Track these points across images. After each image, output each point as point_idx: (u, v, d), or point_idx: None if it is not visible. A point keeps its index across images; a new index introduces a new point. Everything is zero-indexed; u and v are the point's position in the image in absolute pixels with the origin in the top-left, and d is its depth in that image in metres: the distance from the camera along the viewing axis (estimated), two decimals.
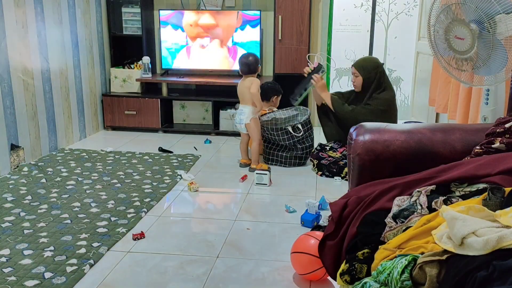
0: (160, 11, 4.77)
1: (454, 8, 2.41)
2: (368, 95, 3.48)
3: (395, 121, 3.52)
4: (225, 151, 4.15)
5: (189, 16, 4.72)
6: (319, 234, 2.00)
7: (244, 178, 3.40)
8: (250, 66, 3.58)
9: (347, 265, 1.31)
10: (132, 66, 4.81)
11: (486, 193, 1.17)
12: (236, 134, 4.55)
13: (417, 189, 1.36)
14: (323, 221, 2.60)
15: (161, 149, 4.08)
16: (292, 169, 3.68)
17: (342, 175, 3.46)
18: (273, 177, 3.51)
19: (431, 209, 1.25)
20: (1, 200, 2.90)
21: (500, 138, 1.54)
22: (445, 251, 1.02)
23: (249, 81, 3.59)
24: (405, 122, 3.21)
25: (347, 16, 5.62)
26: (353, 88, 3.61)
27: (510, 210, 1.06)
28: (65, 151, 3.97)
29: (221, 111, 4.62)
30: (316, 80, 3.57)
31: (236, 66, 4.74)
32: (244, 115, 3.63)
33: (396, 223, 1.27)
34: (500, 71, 2.35)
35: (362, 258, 1.30)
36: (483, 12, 2.26)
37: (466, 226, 1.00)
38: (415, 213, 1.26)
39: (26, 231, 2.50)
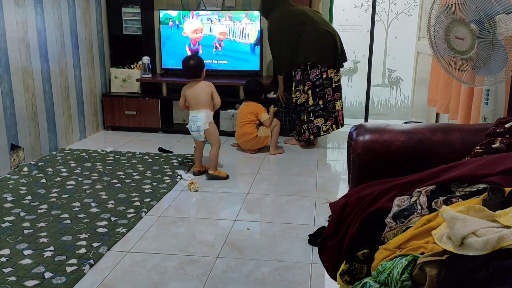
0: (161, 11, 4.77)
1: (454, 8, 2.41)
2: None
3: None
4: (225, 151, 4.14)
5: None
6: None
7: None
8: (192, 69, 3.37)
9: (347, 265, 1.31)
10: (132, 66, 4.81)
11: (486, 193, 1.17)
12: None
13: (417, 189, 1.35)
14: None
15: (161, 149, 4.08)
16: (292, 169, 3.68)
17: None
18: (274, 178, 3.51)
19: (431, 209, 1.25)
20: (1, 200, 2.90)
21: (500, 138, 1.54)
22: (445, 251, 1.02)
23: (206, 85, 3.40)
24: (405, 122, 3.21)
25: (347, 16, 5.62)
26: None
27: (510, 210, 1.06)
28: (65, 151, 3.97)
29: (221, 111, 4.61)
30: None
31: (236, 66, 4.75)
32: (202, 121, 3.36)
33: (396, 223, 1.27)
34: (500, 71, 2.35)
35: (362, 258, 1.30)
36: (483, 12, 2.26)
37: (466, 226, 1.00)
38: (415, 213, 1.26)
39: (26, 231, 2.50)
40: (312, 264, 2.24)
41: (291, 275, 2.14)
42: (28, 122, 3.64)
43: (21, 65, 3.53)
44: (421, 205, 1.28)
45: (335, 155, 4.17)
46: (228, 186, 3.32)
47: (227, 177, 3.43)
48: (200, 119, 3.37)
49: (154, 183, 3.26)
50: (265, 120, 4.01)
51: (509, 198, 1.14)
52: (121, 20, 4.75)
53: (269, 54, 4.77)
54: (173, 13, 4.75)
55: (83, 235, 2.46)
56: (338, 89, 4.12)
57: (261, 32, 4.64)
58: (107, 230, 2.53)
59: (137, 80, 4.70)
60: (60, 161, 3.71)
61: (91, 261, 2.21)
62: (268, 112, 4.07)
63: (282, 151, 4.09)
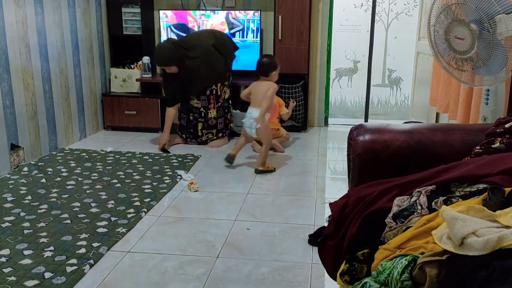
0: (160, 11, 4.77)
1: (454, 8, 2.41)
2: None
3: None
4: (225, 151, 4.14)
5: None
6: None
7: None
8: (260, 66, 3.57)
9: (347, 265, 1.31)
10: (132, 66, 4.81)
11: (486, 193, 1.17)
12: (235, 134, 4.53)
13: (417, 189, 1.35)
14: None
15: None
16: (292, 169, 3.68)
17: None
18: (274, 178, 3.51)
19: (431, 209, 1.25)
20: (1, 200, 2.90)
21: (500, 138, 1.54)
22: (445, 251, 1.02)
23: (267, 85, 3.53)
24: (405, 122, 3.21)
25: (347, 16, 5.61)
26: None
27: (510, 210, 1.06)
28: (65, 151, 3.97)
29: None
30: None
31: (236, 66, 4.75)
32: (253, 119, 3.48)
33: (396, 223, 1.27)
34: (500, 71, 2.35)
35: (362, 258, 1.30)
36: (483, 12, 2.26)
37: (466, 226, 1.00)
38: (415, 213, 1.26)
39: (26, 231, 2.50)
40: (312, 264, 2.24)
41: (291, 275, 2.14)
42: (28, 122, 3.64)
43: (21, 64, 3.53)
44: (421, 205, 1.28)
45: (335, 155, 4.17)
46: (228, 186, 3.32)
47: (274, 170, 3.57)
48: (252, 116, 3.51)
49: (154, 183, 3.26)
50: (283, 114, 4.12)
51: (509, 198, 1.14)
52: (121, 20, 4.75)
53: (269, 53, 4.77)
54: (173, 13, 4.74)
55: (83, 235, 2.46)
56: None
57: (261, 32, 4.65)
58: (107, 230, 2.53)
59: (137, 80, 4.70)
60: (60, 161, 3.71)
61: (91, 261, 2.21)
62: (287, 107, 4.22)
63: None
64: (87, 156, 3.84)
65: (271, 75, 3.58)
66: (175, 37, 4.63)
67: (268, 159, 3.63)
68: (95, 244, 2.37)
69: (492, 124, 1.64)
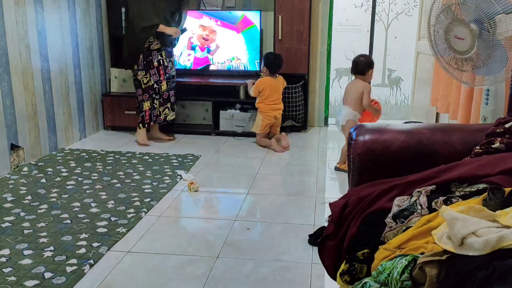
0: None
1: (454, 8, 2.41)
2: None
3: None
4: (225, 151, 4.15)
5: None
6: None
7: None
8: (357, 65, 3.58)
9: (347, 265, 1.31)
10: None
11: (486, 193, 1.17)
12: (236, 134, 4.54)
13: (417, 189, 1.36)
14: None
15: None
16: (292, 169, 3.68)
17: None
18: (274, 178, 3.51)
19: (431, 209, 1.25)
20: (1, 200, 2.90)
21: (500, 138, 1.54)
22: (445, 251, 1.02)
23: (361, 86, 3.54)
24: (405, 122, 3.21)
25: (347, 16, 5.62)
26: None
27: (510, 210, 1.06)
28: (65, 151, 3.97)
29: (221, 111, 4.61)
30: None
31: (236, 66, 4.75)
32: (341, 116, 3.56)
33: (396, 223, 1.27)
34: (500, 71, 2.35)
35: (362, 258, 1.30)
36: (483, 12, 2.26)
37: (466, 226, 1.00)
38: (415, 213, 1.26)
39: (26, 231, 2.50)
40: (312, 264, 2.24)
41: (291, 275, 2.14)
42: (28, 122, 3.64)
43: (21, 65, 3.53)
44: (421, 205, 1.28)
45: (335, 155, 4.17)
46: (228, 186, 3.32)
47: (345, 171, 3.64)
48: (341, 114, 3.58)
49: (154, 183, 3.26)
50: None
51: (509, 198, 1.14)
52: (121, 20, 4.74)
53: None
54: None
55: (83, 235, 2.46)
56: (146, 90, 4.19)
57: (261, 32, 4.64)
58: (107, 230, 2.53)
59: None
60: (60, 161, 3.71)
61: (91, 261, 2.21)
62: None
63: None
64: (87, 156, 3.84)
65: (368, 74, 3.62)
66: None
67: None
68: (95, 244, 2.37)
69: (492, 124, 1.64)
